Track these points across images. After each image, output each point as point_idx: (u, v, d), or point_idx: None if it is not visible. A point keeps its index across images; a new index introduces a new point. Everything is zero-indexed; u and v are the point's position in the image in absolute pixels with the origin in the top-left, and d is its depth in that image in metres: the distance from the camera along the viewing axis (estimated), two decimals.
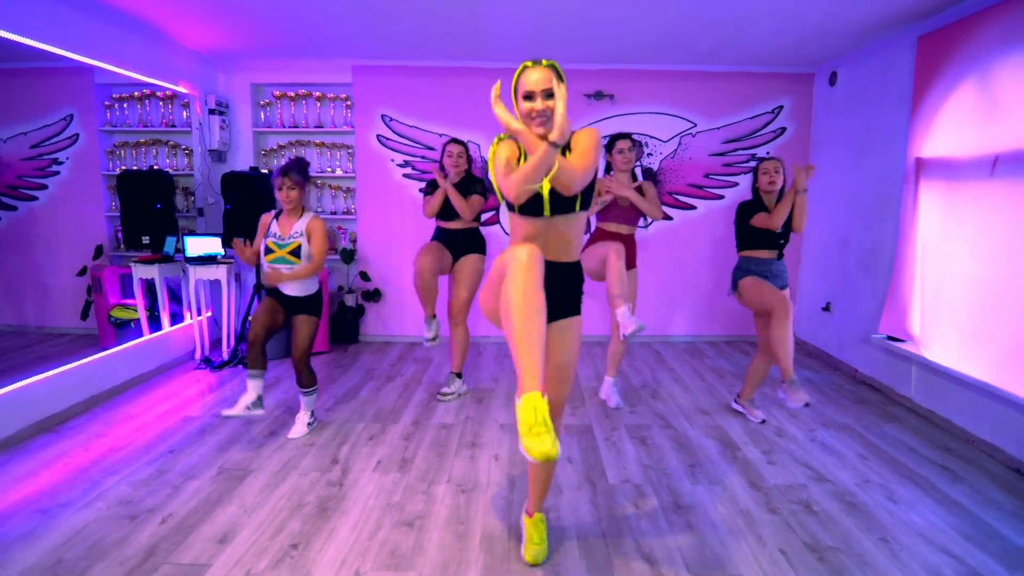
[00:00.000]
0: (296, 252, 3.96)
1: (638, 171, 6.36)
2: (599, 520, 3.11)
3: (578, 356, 2.67)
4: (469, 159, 4.74)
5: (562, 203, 2.50)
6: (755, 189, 4.24)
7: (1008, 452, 3.80)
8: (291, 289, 4.01)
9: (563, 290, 2.60)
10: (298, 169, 3.97)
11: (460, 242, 4.70)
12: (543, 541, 2.82)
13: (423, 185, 6.36)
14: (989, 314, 4.01)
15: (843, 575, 2.67)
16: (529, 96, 2.41)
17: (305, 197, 4.07)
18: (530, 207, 2.50)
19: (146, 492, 3.31)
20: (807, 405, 3.75)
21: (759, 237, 4.20)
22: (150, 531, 2.94)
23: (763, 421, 4.29)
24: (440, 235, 4.75)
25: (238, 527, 2.99)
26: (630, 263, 4.53)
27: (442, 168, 4.68)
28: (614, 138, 4.43)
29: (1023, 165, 3.77)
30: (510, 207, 2.56)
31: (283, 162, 3.98)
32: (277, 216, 4.06)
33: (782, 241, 4.20)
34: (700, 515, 3.16)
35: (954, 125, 4.37)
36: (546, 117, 2.40)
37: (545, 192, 2.47)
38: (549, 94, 2.39)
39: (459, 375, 4.89)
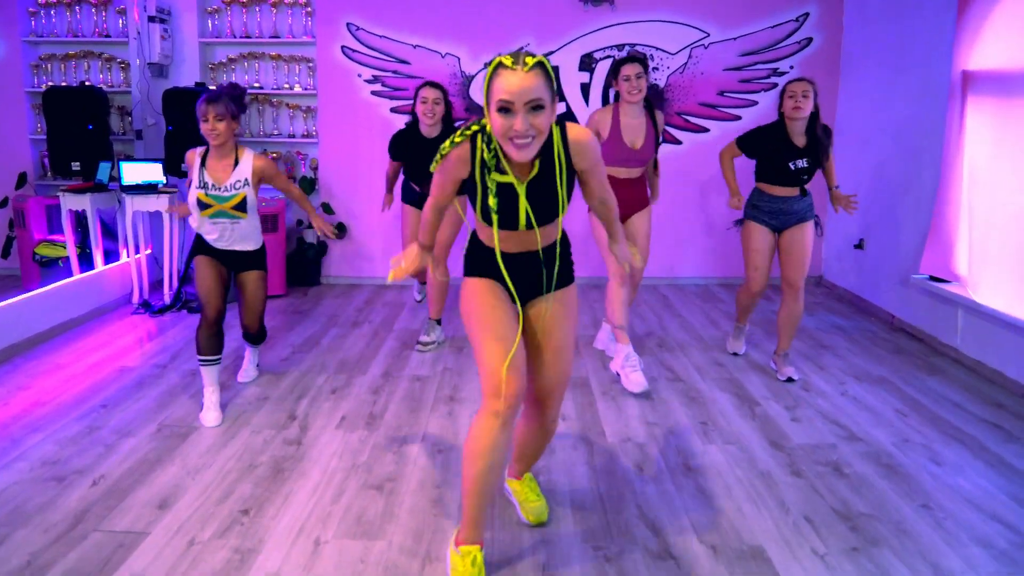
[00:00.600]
0: (241, 206, 3.58)
1: None
2: (596, 484, 3.01)
3: (576, 330, 2.51)
4: (448, 106, 4.44)
5: (545, 214, 2.25)
6: (780, 114, 4.05)
7: None
8: (240, 243, 3.68)
9: (549, 267, 2.37)
10: (230, 96, 3.55)
11: None
12: (541, 497, 2.75)
13: (395, 105, 6.21)
14: None
15: (878, 546, 2.56)
16: (506, 108, 1.93)
17: (238, 130, 3.64)
18: (503, 220, 2.22)
19: (75, 451, 3.19)
20: (790, 380, 4.17)
21: (777, 168, 4.06)
22: (79, 494, 2.83)
23: (789, 379, 4.18)
24: (414, 198, 4.62)
25: (180, 490, 2.87)
26: (639, 205, 4.32)
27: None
28: (619, 63, 4.16)
29: None
30: (473, 203, 2.29)
31: (223, 83, 3.66)
32: (204, 157, 3.60)
33: (805, 176, 4.05)
34: (713, 478, 3.06)
35: (1008, 31, 4.17)
36: (530, 139, 1.96)
37: (522, 208, 2.19)
38: (537, 106, 1.93)
39: (438, 322, 4.76)
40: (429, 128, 4.36)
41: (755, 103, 6.36)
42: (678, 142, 6.41)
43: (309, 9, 6.21)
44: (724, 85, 6.35)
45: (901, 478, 3.07)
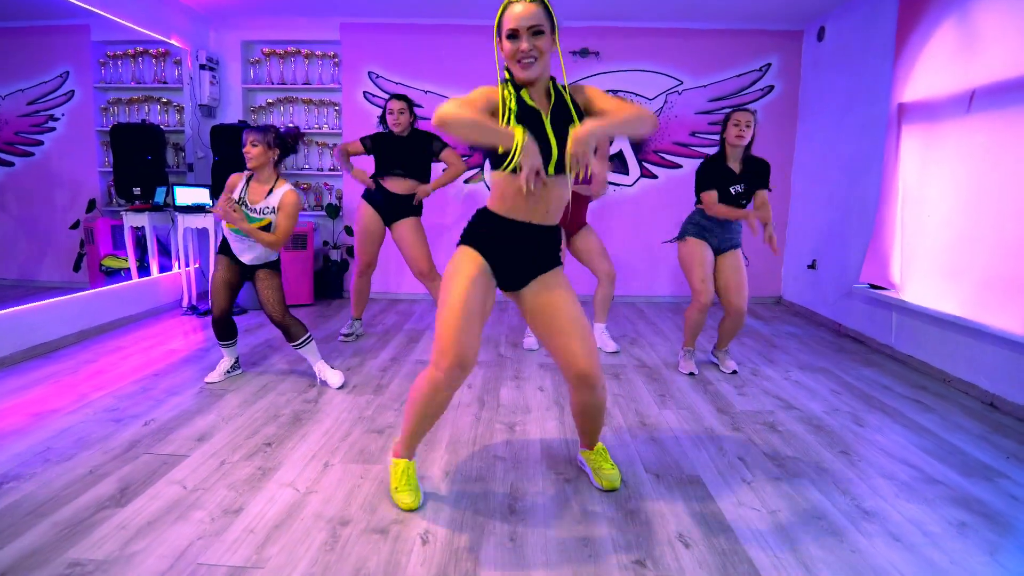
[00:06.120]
0: (265, 230, 3.66)
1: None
2: (564, 433, 3.24)
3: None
4: (412, 115, 4.57)
5: (562, 162, 2.28)
6: (722, 140, 4.04)
7: (982, 387, 3.89)
8: (248, 257, 3.74)
9: (545, 251, 2.46)
10: (266, 130, 3.68)
11: (398, 206, 4.67)
12: (615, 465, 2.74)
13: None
14: (965, 248, 4.06)
15: (799, 477, 2.79)
16: (513, 34, 2.17)
17: (271, 162, 3.69)
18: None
19: (131, 403, 3.50)
20: (734, 373, 4.25)
21: (720, 194, 4.01)
22: (133, 431, 3.13)
23: (734, 372, 4.30)
24: (375, 198, 4.65)
25: (215, 430, 3.16)
26: (580, 222, 4.56)
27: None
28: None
29: (997, 97, 3.84)
30: (498, 164, 2.27)
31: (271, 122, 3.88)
32: (249, 180, 3.73)
33: (744, 201, 4.03)
34: (664, 431, 3.28)
35: (934, 66, 4.39)
36: (533, 59, 2.18)
37: (551, 138, 2.25)
38: (538, 31, 2.15)
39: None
40: (399, 133, 4.54)
41: None
42: (655, 176, 6.62)
43: (336, 60, 6.55)
44: (695, 126, 6.55)
45: (826, 434, 3.28)
